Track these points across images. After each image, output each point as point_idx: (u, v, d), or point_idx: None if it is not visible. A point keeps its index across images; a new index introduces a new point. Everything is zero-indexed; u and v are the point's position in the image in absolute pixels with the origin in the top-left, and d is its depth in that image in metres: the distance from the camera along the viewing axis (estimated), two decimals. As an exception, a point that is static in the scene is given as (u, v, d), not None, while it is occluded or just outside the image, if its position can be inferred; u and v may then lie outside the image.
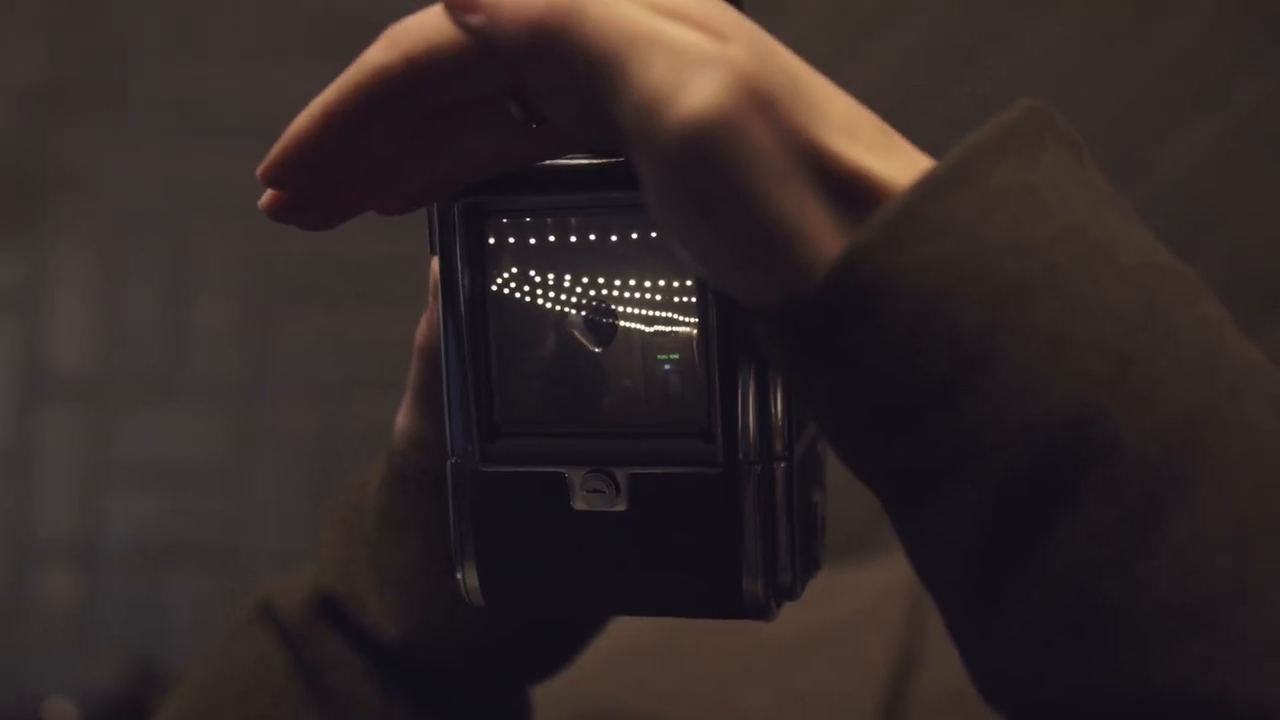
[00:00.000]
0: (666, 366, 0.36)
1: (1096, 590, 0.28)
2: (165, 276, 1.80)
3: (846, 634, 0.65)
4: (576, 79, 0.29)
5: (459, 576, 0.39)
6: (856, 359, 0.29)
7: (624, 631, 0.51)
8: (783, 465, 0.35)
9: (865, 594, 0.70)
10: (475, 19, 0.30)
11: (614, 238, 0.36)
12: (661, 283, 0.35)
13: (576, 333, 0.36)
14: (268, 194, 0.34)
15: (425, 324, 0.42)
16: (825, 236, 0.29)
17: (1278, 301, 1.52)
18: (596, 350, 0.36)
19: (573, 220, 0.36)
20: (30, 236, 1.84)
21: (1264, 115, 1.54)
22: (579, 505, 0.37)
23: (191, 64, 1.81)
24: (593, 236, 0.36)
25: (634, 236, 0.35)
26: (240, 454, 1.77)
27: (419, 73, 0.31)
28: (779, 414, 0.35)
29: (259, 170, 0.33)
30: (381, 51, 0.31)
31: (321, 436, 1.74)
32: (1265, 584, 0.27)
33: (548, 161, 0.35)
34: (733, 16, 0.30)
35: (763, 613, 0.37)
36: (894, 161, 0.30)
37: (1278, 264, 1.53)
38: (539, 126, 0.32)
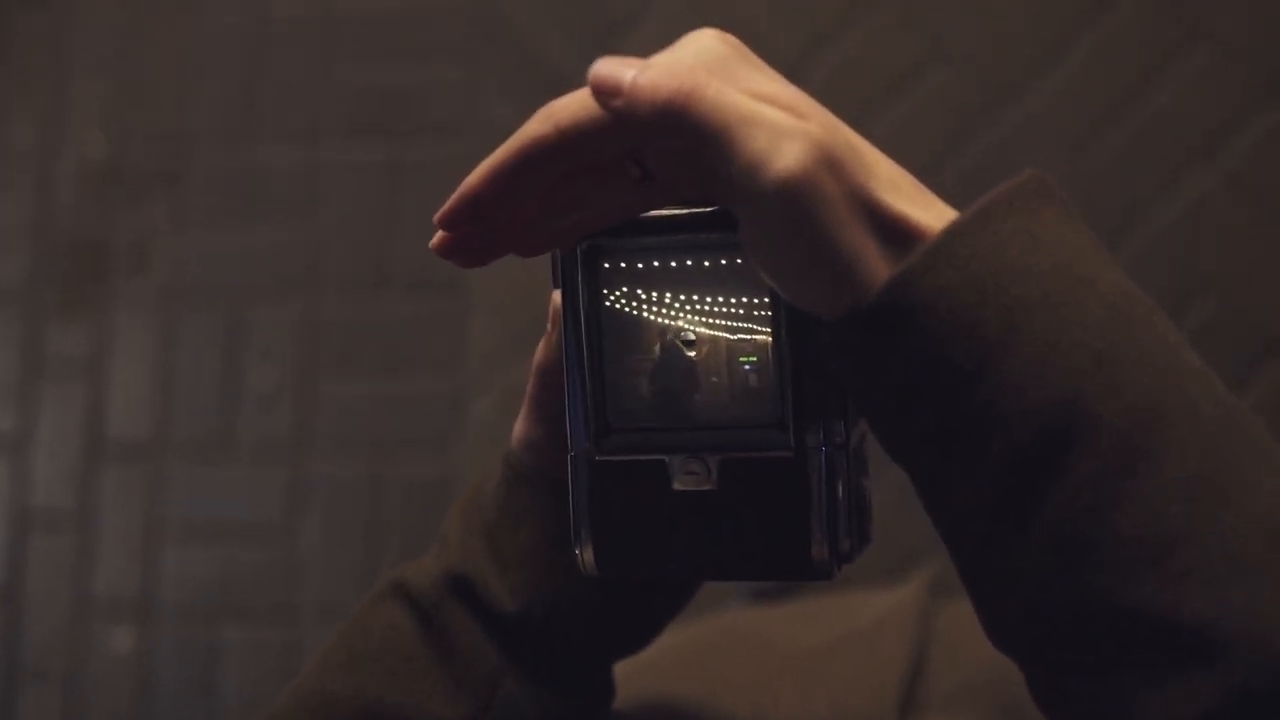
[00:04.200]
0: (747, 370, 0.42)
1: (1079, 533, 0.35)
2: (218, 344, 1.86)
3: (866, 640, 0.71)
4: (693, 146, 0.36)
5: (577, 551, 0.45)
6: (901, 356, 0.36)
7: (676, 639, 0.57)
8: (842, 451, 0.42)
9: (882, 608, 0.76)
10: (617, 101, 0.36)
11: (702, 268, 0.42)
12: (742, 302, 0.42)
13: (672, 346, 0.43)
14: (438, 236, 0.41)
15: (543, 347, 0.49)
16: (877, 264, 0.36)
17: (1270, 348, 1.54)
18: (689, 358, 0.43)
19: (667, 258, 0.43)
20: (93, 309, 1.90)
21: (1254, 169, 1.57)
22: (677, 486, 0.43)
23: (241, 145, 1.89)
24: (686, 267, 0.43)
25: (720, 265, 0.42)
26: (290, 510, 1.81)
27: (567, 141, 0.38)
28: (838, 409, 0.42)
29: (436, 216, 0.40)
30: (538, 124, 0.38)
31: (366, 492, 1.79)
32: (1206, 530, 0.34)
33: (650, 212, 0.43)
34: (808, 100, 0.38)
35: (827, 574, 0.43)
36: (928, 211, 0.37)
37: (1269, 311, 1.55)
38: (647, 184, 0.41)
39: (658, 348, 0.43)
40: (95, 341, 1.91)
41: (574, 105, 0.38)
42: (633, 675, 0.60)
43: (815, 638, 0.73)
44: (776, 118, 0.36)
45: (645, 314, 0.43)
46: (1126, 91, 1.63)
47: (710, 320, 0.42)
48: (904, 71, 1.69)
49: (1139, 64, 1.63)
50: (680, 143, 0.37)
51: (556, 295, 0.46)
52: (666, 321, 0.43)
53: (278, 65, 1.91)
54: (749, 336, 0.42)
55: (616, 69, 0.37)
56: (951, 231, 0.36)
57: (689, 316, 0.43)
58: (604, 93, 0.37)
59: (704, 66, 0.37)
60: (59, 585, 1.86)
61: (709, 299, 0.42)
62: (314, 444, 1.82)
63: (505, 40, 1.82)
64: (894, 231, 0.37)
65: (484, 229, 0.41)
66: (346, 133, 1.87)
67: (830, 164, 0.36)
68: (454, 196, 0.40)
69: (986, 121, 1.65)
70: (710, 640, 0.76)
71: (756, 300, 0.42)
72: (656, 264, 0.43)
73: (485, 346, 1.77)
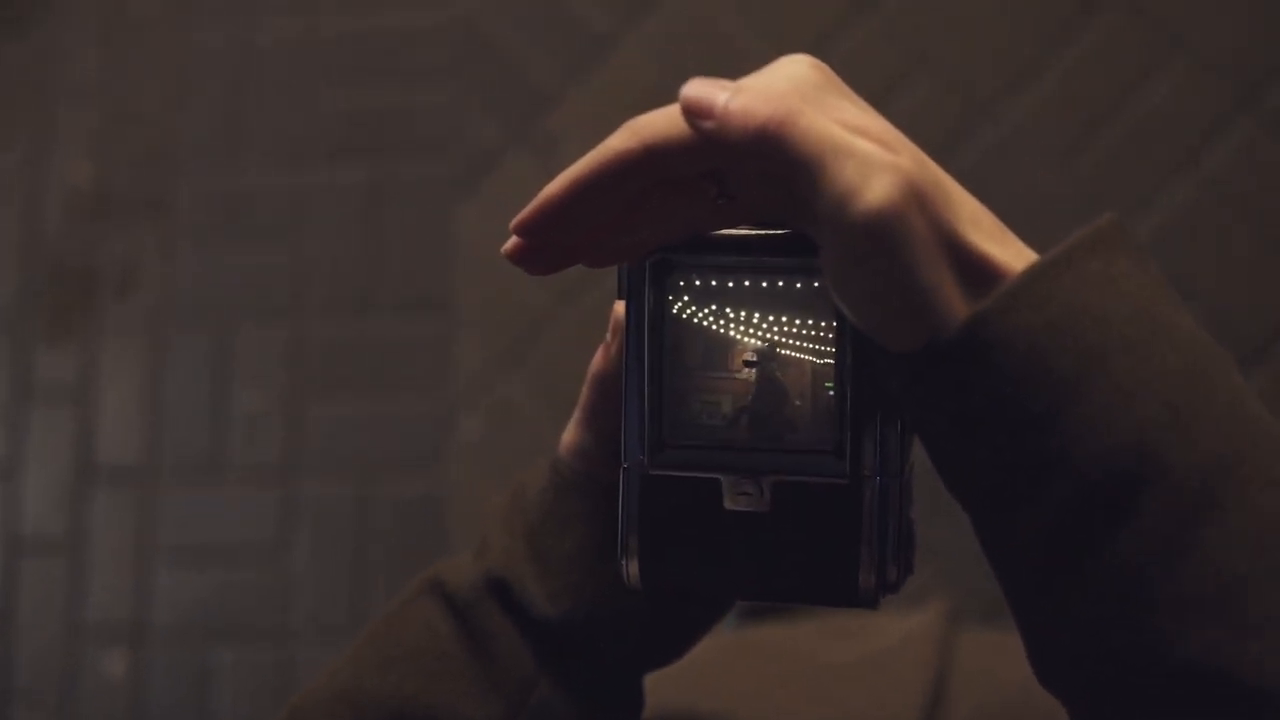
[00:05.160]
0: (808, 395, 0.42)
1: (1141, 578, 0.34)
2: (206, 367, 1.87)
3: (887, 662, 0.72)
4: (782, 172, 0.36)
5: (622, 563, 0.45)
6: (976, 392, 0.36)
7: (698, 650, 0.57)
8: (896, 481, 0.42)
9: (902, 632, 0.77)
10: (708, 124, 0.37)
11: (770, 290, 0.42)
12: (807, 326, 0.42)
13: (734, 365, 0.43)
14: (512, 242, 0.41)
15: (601, 355, 0.49)
16: (956, 301, 0.37)
17: (1260, 351, 1.55)
18: (750, 378, 0.43)
19: (736, 277, 0.43)
20: (81, 334, 1.91)
21: (1235, 176, 1.59)
22: (729, 505, 0.43)
23: (227, 168, 1.90)
24: (755, 288, 0.42)
25: (788, 288, 0.42)
26: (280, 532, 1.81)
27: (651, 157, 0.38)
28: (895, 439, 0.42)
29: (513, 223, 0.40)
30: (623, 138, 0.39)
31: (356, 512, 1.79)
32: (1272, 584, 0.34)
33: (721, 231, 0.42)
34: (897, 133, 0.38)
35: (872, 602, 0.43)
36: (1008, 250, 0.38)
37: (1252, 319, 1.55)
38: (723, 202, 0.41)
39: (719, 366, 0.43)
40: (83, 366, 1.91)
41: (661, 122, 0.38)
42: (655, 685, 0.59)
43: (836, 655, 0.74)
44: (868, 150, 0.36)
45: (709, 331, 0.43)
46: (1110, 101, 1.64)
47: (774, 342, 0.43)
48: (888, 83, 1.70)
49: (1121, 74, 1.64)
50: (769, 168, 0.37)
51: (619, 306, 0.46)
52: (730, 340, 0.43)
53: (262, 89, 1.92)
54: (812, 362, 0.42)
55: (709, 90, 0.37)
56: (1032, 273, 0.36)
57: (754, 337, 0.43)
58: (695, 114, 0.37)
59: (797, 93, 0.37)
60: (51, 610, 1.86)
61: (775, 321, 0.42)
62: (303, 465, 1.82)
63: (487, 61, 1.82)
64: (974, 269, 0.37)
65: (557, 238, 0.41)
66: (331, 155, 1.87)
67: (918, 199, 0.36)
68: (532, 204, 0.40)
69: (971, 132, 1.66)
70: (732, 653, 0.76)
71: (822, 325, 0.42)
72: (725, 282, 0.43)
73: (471, 366, 1.77)
